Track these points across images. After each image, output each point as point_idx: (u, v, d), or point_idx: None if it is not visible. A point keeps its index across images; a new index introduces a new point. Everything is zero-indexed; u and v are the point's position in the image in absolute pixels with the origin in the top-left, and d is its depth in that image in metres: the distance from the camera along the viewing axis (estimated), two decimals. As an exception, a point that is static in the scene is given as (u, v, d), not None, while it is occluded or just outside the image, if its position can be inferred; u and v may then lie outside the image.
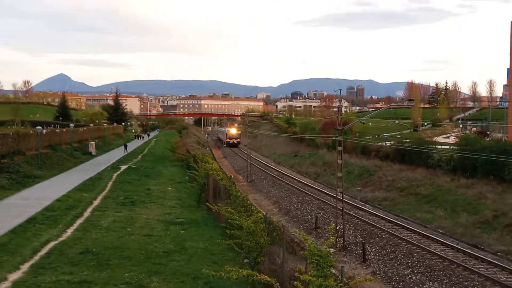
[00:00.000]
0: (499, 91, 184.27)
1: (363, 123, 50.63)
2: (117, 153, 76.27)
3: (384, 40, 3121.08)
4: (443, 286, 24.76)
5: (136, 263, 19.34)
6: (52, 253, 20.21)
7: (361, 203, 46.41)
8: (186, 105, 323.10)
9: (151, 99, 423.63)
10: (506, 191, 41.29)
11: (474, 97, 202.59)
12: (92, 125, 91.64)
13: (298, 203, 47.62)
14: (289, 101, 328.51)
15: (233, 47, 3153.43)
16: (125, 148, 79.69)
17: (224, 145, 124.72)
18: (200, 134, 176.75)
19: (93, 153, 72.13)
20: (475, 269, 26.23)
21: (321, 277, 11.42)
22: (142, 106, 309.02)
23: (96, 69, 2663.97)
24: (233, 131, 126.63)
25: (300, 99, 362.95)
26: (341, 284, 12.01)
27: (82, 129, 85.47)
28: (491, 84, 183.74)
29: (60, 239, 22.75)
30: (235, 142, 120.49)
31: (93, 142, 75.90)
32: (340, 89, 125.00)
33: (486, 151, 45.68)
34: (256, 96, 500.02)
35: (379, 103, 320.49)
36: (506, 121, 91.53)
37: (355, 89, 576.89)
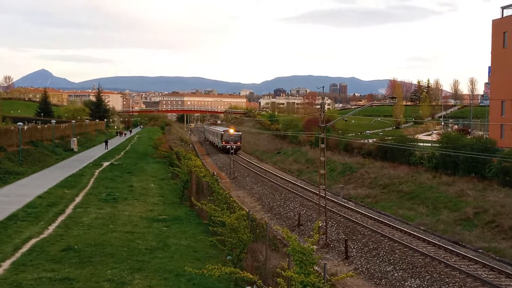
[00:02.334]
0: (480, 89, 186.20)
1: (346, 120, 50.94)
2: (99, 150, 75.91)
3: (367, 37, 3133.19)
4: (425, 283, 24.91)
5: (119, 260, 19.28)
6: (34, 250, 20.10)
7: (343, 200, 46.56)
8: (169, 102, 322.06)
9: (133, 96, 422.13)
10: (487, 188, 41.61)
11: (456, 95, 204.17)
12: (74, 121, 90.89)
13: (281, 200, 47.69)
14: (272, 98, 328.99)
15: (216, 44, 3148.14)
16: (106, 144, 79.39)
17: (206, 143, 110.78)
18: (183, 131, 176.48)
19: (75, 149, 71.78)
20: (456, 266, 26.41)
21: (304, 274, 11.46)
22: (124, 102, 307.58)
23: (78, 65, 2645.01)
24: (232, 132, 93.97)
25: (283, 96, 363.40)
26: (324, 281, 12.05)
27: (64, 125, 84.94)
28: (472, 82, 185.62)
29: (42, 236, 22.63)
30: (234, 146, 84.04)
31: (75, 139, 75.52)
32: (323, 86, 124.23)
33: (467, 148, 46.05)
34: (239, 93, 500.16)
35: (361, 101, 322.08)
36: (487, 119, 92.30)
37: (338, 87, 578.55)
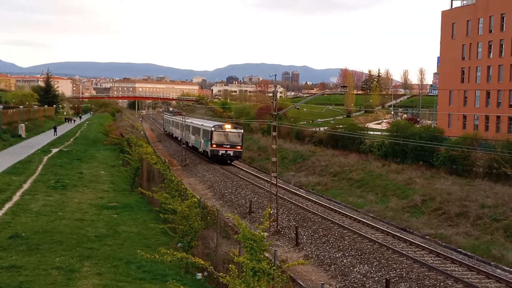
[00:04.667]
0: (429, 79, 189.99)
1: (298, 108, 51.12)
2: (48, 136, 74.62)
3: (319, 26, 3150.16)
4: (373, 269, 25.36)
5: (68, 247, 19.05)
6: (-21, 238, 19.66)
7: (294, 187, 46.92)
8: (120, 88, 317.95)
9: (83, 81, 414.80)
10: (435, 176, 42.61)
11: (406, 84, 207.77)
12: (22, 107, 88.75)
13: (233, 187, 47.75)
14: (225, 85, 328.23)
15: (168, 30, 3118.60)
16: (55, 130, 78.31)
17: (164, 137, 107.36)
18: (134, 117, 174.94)
19: (23, 135, 70.37)
20: (403, 252, 26.95)
21: (255, 261, 11.54)
22: (74, 88, 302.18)
23: (26, 49, 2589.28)
24: (228, 127, 60.95)
25: (235, 83, 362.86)
26: (274, 267, 12.16)
27: (12, 111, 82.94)
28: (422, 72, 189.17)
29: (-12, 223, 22.14)
30: (232, 153, 59.08)
31: (23, 125, 73.98)
32: (275, 75, 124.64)
33: (416, 137, 47.01)
34: (192, 80, 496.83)
35: (313, 89, 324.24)
36: (436, 108, 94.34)
37: (290, 75, 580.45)
